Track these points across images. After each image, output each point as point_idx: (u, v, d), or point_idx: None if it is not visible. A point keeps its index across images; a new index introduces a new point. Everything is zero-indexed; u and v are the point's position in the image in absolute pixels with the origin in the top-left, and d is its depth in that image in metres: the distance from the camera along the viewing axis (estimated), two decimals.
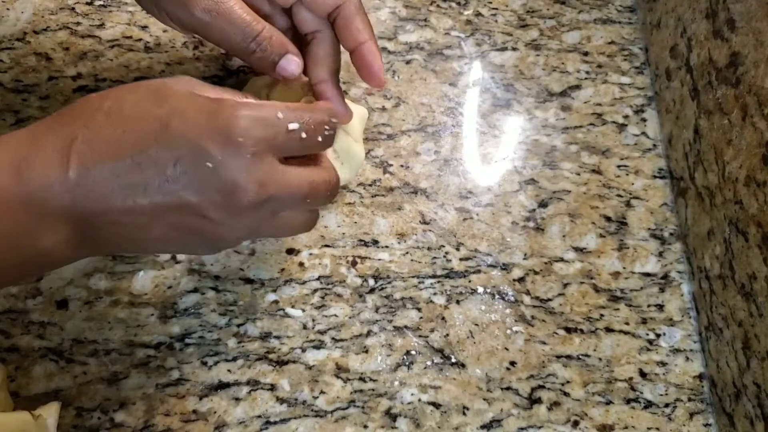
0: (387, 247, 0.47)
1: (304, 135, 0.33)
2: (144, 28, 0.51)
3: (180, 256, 0.45)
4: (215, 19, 0.37)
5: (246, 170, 0.31)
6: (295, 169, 0.34)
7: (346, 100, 0.42)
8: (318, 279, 0.45)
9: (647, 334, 0.46)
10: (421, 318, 0.45)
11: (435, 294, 0.46)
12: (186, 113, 0.31)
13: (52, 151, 0.30)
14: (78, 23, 0.51)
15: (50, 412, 0.38)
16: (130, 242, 0.33)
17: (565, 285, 0.47)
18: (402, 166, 0.49)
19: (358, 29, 0.40)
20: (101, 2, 0.52)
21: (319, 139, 0.34)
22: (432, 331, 0.45)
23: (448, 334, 0.45)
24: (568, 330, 0.46)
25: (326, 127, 0.35)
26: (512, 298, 0.46)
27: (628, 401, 0.44)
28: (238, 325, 0.43)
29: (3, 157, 0.30)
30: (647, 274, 0.48)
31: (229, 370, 0.42)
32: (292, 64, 0.39)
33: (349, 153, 0.43)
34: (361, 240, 0.47)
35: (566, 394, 0.44)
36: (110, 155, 0.30)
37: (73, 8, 0.51)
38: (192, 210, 0.31)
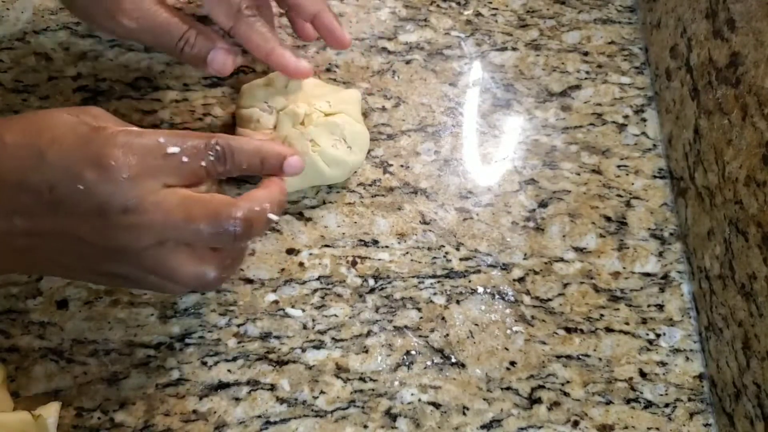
0: (387, 247, 0.47)
1: (185, 159, 0.33)
2: None
3: None
4: (142, 26, 0.39)
5: (117, 193, 0.31)
6: (180, 198, 0.33)
7: (342, 88, 0.44)
8: (318, 279, 0.45)
9: (647, 334, 0.46)
10: (421, 318, 0.45)
11: (435, 294, 0.46)
12: (63, 142, 0.32)
13: None
14: (78, 23, 0.51)
15: (50, 412, 0.38)
16: (15, 263, 0.34)
17: (565, 285, 0.47)
18: (402, 166, 0.49)
19: (258, 43, 0.42)
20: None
21: (202, 163, 0.34)
22: (432, 331, 0.45)
23: (448, 334, 0.45)
24: (568, 330, 0.46)
25: (210, 152, 0.34)
26: (512, 298, 0.46)
27: (628, 401, 0.44)
28: (238, 325, 0.43)
29: None
30: (647, 274, 0.48)
31: (229, 370, 0.42)
32: (219, 54, 0.41)
33: (355, 135, 0.45)
34: (361, 240, 0.47)
35: (566, 394, 0.44)
36: None
37: None
38: (70, 234, 0.32)
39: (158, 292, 0.40)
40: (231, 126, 0.48)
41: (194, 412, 0.41)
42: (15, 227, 0.32)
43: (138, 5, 0.39)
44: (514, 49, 0.55)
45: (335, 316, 0.44)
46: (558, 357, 0.45)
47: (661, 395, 0.44)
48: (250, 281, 0.45)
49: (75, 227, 0.32)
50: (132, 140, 0.32)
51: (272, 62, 0.43)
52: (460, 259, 0.47)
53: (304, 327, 0.44)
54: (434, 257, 0.47)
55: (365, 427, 0.42)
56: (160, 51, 0.41)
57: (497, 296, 0.46)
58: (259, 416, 0.41)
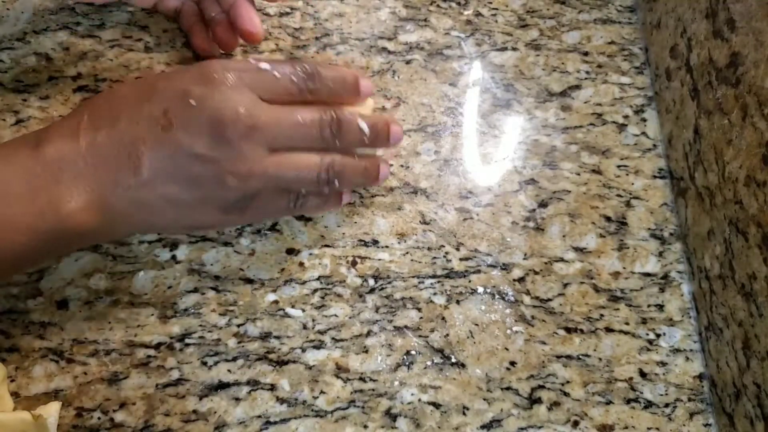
0: (387, 247, 0.47)
1: (277, 74, 0.37)
2: (144, 28, 0.51)
3: (180, 256, 0.45)
4: None
5: (227, 101, 0.34)
6: (281, 108, 0.37)
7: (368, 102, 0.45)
8: (318, 279, 0.45)
9: (647, 334, 0.46)
10: (421, 318, 0.45)
11: (435, 294, 0.46)
12: (170, 75, 0.36)
13: (64, 129, 0.35)
14: (78, 23, 0.51)
15: (50, 412, 0.38)
16: (140, 206, 0.36)
17: (565, 285, 0.47)
18: (402, 166, 0.49)
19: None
20: (101, 2, 0.52)
21: (294, 78, 0.37)
22: (432, 331, 0.45)
23: (448, 334, 0.45)
24: (568, 330, 0.46)
25: (299, 69, 0.38)
26: (512, 298, 0.46)
27: (628, 401, 0.44)
28: (238, 325, 0.43)
29: (26, 138, 0.35)
30: (647, 274, 0.48)
31: (229, 370, 0.42)
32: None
33: None
34: (361, 240, 0.47)
35: (566, 394, 0.44)
36: (110, 121, 0.34)
37: (73, 8, 0.51)
38: (187, 152, 0.34)
39: (274, 213, 0.43)
40: None
41: (194, 412, 0.41)
42: (138, 159, 0.34)
43: None
44: (514, 49, 0.55)
45: (335, 316, 0.44)
46: (558, 357, 0.45)
47: (661, 395, 0.44)
48: (250, 281, 0.45)
49: (192, 143, 0.34)
50: (228, 62, 0.36)
51: (234, 11, 0.45)
52: (460, 259, 0.47)
53: (304, 327, 0.44)
54: (434, 257, 0.47)
55: (365, 427, 0.42)
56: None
57: (497, 296, 0.46)
58: (259, 416, 0.41)
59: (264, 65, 0.37)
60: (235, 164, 0.35)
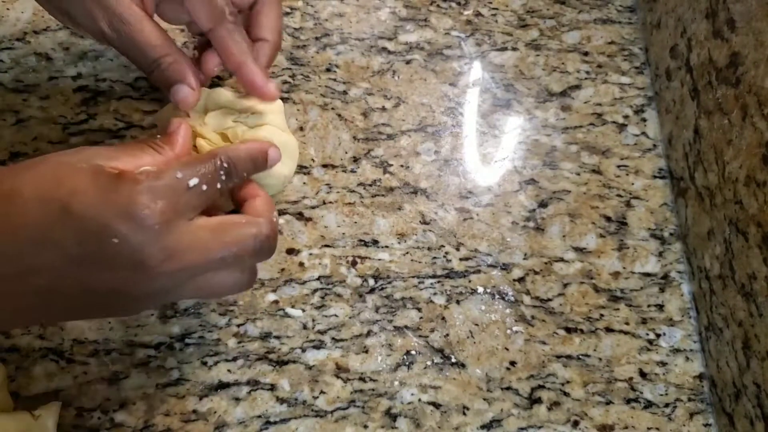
0: (387, 247, 0.47)
1: (205, 187, 0.33)
2: None
3: None
4: (120, 38, 0.37)
5: (153, 243, 0.30)
6: (210, 229, 0.33)
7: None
8: (318, 279, 0.45)
9: (647, 334, 0.46)
10: (421, 318, 0.45)
11: (435, 294, 0.46)
12: (87, 193, 0.30)
13: None
14: None
15: (50, 412, 0.38)
16: (29, 319, 0.33)
17: (565, 285, 0.47)
18: (402, 166, 0.49)
19: (233, 52, 0.40)
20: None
21: (218, 186, 0.34)
22: (432, 331, 0.45)
23: (448, 334, 0.45)
24: (568, 330, 0.46)
25: (221, 173, 0.34)
26: (512, 298, 0.46)
27: (628, 401, 0.44)
28: (238, 325, 0.43)
29: None
30: (647, 274, 0.48)
31: (229, 370, 0.42)
32: (180, 93, 0.39)
33: (283, 146, 0.41)
34: (361, 240, 0.47)
35: (566, 394, 0.44)
36: (9, 239, 0.30)
37: None
38: (101, 287, 0.31)
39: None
40: None
41: (194, 412, 0.41)
42: (34, 286, 0.30)
43: (121, 15, 0.37)
44: (514, 49, 0.55)
45: (335, 316, 0.44)
46: (558, 357, 0.45)
47: (661, 395, 0.44)
48: None
49: (108, 280, 0.31)
50: (155, 184, 0.31)
51: (242, 75, 0.41)
52: (460, 259, 0.47)
53: (304, 327, 0.44)
54: (434, 257, 0.47)
55: (365, 427, 0.42)
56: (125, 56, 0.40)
57: (497, 296, 0.46)
58: (259, 416, 0.41)
59: (192, 182, 0.32)
60: (150, 299, 0.33)
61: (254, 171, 0.37)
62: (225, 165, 0.34)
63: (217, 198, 0.35)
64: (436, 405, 0.43)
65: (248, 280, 0.36)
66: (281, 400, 0.42)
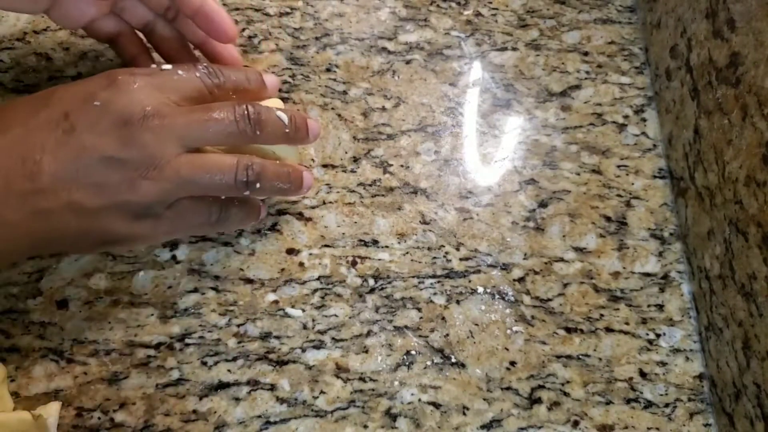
0: (387, 247, 0.47)
1: (180, 72, 0.36)
2: None
3: (180, 256, 0.45)
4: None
5: (133, 101, 0.33)
6: (195, 106, 0.36)
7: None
8: (318, 279, 0.45)
9: (647, 334, 0.46)
10: (421, 318, 0.45)
11: (435, 294, 0.46)
12: (69, 84, 0.34)
13: None
14: None
15: (50, 412, 0.38)
16: (39, 216, 0.33)
17: (565, 285, 0.47)
18: (402, 166, 0.49)
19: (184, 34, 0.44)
20: None
21: (197, 74, 0.37)
22: (432, 331, 0.45)
23: (448, 334, 0.45)
24: (568, 330, 0.46)
25: (201, 67, 0.37)
26: (512, 298, 0.46)
27: (628, 401, 0.44)
28: (238, 325, 0.43)
29: None
30: (647, 274, 0.48)
31: (229, 370, 0.42)
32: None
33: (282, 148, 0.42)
34: (361, 240, 0.47)
35: (566, 394, 0.44)
36: (2, 128, 0.32)
37: None
38: (92, 154, 0.32)
39: (195, 227, 0.39)
40: None
41: (194, 412, 0.41)
42: (38, 168, 0.31)
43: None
44: (514, 49, 0.55)
45: (335, 316, 0.44)
46: (558, 357, 0.45)
47: (661, 395, 0.44)
48: (249, 281, 0.45)
49: (100, 144, 0.32)
50: (133, 68, 0.35)
51: (203, 14, 0.41)
52: (460, 259, 0.47)
53: (304, 327, 0.44)
54: (434, 257, 0.47)
55: (365, 427, 0.42)
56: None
57: (497, 296, 0.46)
58: (259, 416, 0.41)
59: (166, 66, 0.36)
60: (144, 166, 0.33)
61: (249, 84, 0.39)
62: (208, 66, 0.38)
63: (205, 94, 0.37)
64: (436, 405, 0.43)
65: (254, 212, 0.41)
66: (281, 400, 0.42)
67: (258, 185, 0.37)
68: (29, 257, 0.43)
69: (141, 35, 0.45)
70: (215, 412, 0.41)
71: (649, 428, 0.43)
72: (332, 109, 0.50)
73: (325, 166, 0.49)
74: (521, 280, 0.47)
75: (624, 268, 0.48)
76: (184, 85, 0.36)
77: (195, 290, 0.44)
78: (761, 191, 0.39)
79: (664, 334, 0.46)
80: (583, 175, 0.51)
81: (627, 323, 0.46)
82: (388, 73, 0.52)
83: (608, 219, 0.49)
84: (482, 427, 0.42)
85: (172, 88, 0.35)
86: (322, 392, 0.42)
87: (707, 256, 0.46)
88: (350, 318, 0.44)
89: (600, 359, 0.45)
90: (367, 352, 0.44)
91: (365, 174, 0.49)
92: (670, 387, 0.45)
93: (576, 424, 0.43)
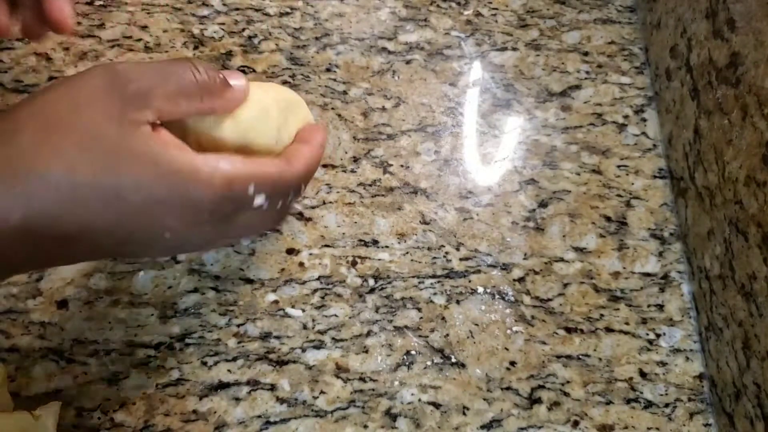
0: (387, 247, 0.47)
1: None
2: (144, 28, 0.51)
3: (180, 256, 0.45)
4: None
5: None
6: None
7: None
8: (318, 279, 0.45)
9: (647, 334, 0.46)
10: (421, 318, 0.45)
11: (435, 294, 0.46)
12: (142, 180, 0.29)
13: None
14: (78, 23, 0.51)
15: (50, 413, 0.38)
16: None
17: (565, 285, 0.47)
18: (402, 166, 0.49)
19: None
20: (101, 2, 0.52)
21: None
22: (432, 331, 0.45)
23: (448, 334, 0.45)
24: (568, 330, 0.46)
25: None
26: (512, 298, 0.46)
27: (628, 401, 0.44)
28: (238, 325, 0.43)
29: None
30: (647, 274, 0.48)
31: (229, 370, 0.42)
32: None
33: (287, 102, 0.37)
34: (361, 240, 0.47)
35: (566, 394, 0.44)
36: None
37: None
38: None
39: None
40: None
41: (194, 412, 0.41)
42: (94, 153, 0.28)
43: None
44: (514, 49, 0.55)
45: (335, 316, 0.44)
46: (558, 357, 0.45)
47: (661, 395, 0.44)
48: (250, 281, 0.45)
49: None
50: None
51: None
52: (460, 259, 0.47)
53: (304, 327, 0.44)
54: (434, 257, 0.47)
55: (365, 427, 0.42)
56: None
57: (497, 296, 0.46)
58: (259, 416, 0.41)
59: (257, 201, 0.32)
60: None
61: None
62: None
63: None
64: (436, 405, 0.43)
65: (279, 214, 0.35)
66: (281, 400, 0.42)
67: None
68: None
69: None
70: (215, 412, 0.41)
71: (649, 428, 0.43)
72: (332, 109, 0.50)
73: (325, 166, 0.49)
74: (521, 280, 0.47)
75: (624, 268, 0.48)
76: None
77: (195, 290, 0.44)
78: (761, 191, 0.39)
79: (664, 334, 0.46)
80: (583, 175, 0.51)
81: (627, 323, 0.46)
82: (388, 73, 0.52)
83: (608, 219, 0.49)
84: (482, 427, 0.42)
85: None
86: (322, 392, 0.42)
87: (707, 256, 0.45)
88: (350, 318, 0.44)
89: (600, 359, 0.45)
90: (367, 352, 0.44)
91: (365, 174, 0.49)
92: (670, 387, 0.45)
93: (576, 424, 0.43)
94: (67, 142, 0.28)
